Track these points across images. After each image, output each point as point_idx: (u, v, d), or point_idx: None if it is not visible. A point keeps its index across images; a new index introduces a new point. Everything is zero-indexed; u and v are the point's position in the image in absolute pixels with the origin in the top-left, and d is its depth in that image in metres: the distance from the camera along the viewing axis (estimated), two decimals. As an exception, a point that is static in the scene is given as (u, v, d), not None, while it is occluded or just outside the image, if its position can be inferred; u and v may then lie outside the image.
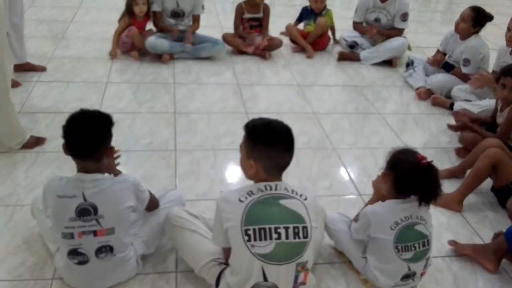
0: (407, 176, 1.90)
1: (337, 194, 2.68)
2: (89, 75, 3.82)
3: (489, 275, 2.19)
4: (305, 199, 1.71)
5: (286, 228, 1.65)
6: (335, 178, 2.82)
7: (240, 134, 1.74)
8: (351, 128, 3.39)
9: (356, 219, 2.06)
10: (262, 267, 1.66)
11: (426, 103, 3.85)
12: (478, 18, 3.67)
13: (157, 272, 2.06)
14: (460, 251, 2.28)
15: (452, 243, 2.31)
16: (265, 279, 1.67)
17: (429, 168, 1.87)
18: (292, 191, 1.71)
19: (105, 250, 1.83)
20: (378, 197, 2.10)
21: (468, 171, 2.70)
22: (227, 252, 1.81)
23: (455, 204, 2.58)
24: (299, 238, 1.66)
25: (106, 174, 1.85)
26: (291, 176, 2.70)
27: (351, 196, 2.66)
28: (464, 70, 3.78)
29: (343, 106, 3.72)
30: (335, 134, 3.28)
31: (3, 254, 2.07)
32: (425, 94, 3.88)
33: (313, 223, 1.72)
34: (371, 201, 2.15)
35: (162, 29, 4.19)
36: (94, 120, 1.78)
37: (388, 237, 1.92)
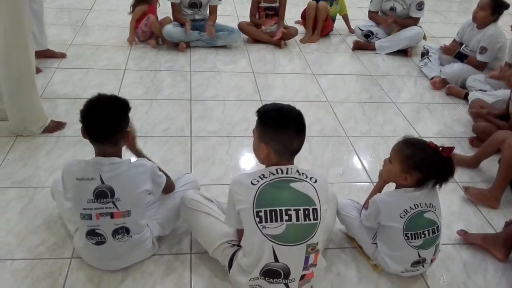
0: (436, 173, 1.89)
1: (349, 181, 2.68)
2: (108, 62, 3.86)
3: (499, 263, 2.18)
4: (315, 181, 1.72)
5: (297, 210, 1.67)
6: (347, 166, 2.82)
7: (255, 121, 1.75)
8: (364, 117, 3.38)
9: (365, 206, 2.07)
10: (273, 248, 1.67)
11: (440, 93, 3.81)
12: (496, 6, 3.62)
13: (172, 253, 2.09)
14: (470, 241, 2.27)
15: (462, 232, 2.30)
16: (276, 259, 1.68)
17: (450, 159, 1.87)
18: (303, 174, 1.72)
19: (122, 231, 1.86)
20: (383, 183, 2.14)
21: (485, 162, 2.68)
22: (239, 233, 1.84)
23: (495, 201, 2.53)
24: (309, 220, 1.68)
25: (124, 158, 1.88)
26: (304, 163, 2.74)
27: (363, 184, 2.67)
28: (480, 58, 3.73)
29: (357, 95, 3.70)
30: (349, 123, 3.28)
31: (24, 234, 2.12)
32: (440, 84, 3.85)
33: (323, 205, 1.73)
34: (378, 187, 2.16)
35: (179, 21, 4.20)
36: (111, 105, 1.80)
37: (398, 225, 1.92)
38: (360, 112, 3.44)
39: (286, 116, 1.68)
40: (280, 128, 1.66)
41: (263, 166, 1.78)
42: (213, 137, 2.97)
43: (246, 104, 3.39)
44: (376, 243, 2.07)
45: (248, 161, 2.79)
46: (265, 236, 1.67)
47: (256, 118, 1.74)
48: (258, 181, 1.69)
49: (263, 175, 1.70)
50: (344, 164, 2.83)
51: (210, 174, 2.63)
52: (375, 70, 4.17)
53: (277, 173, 1.70)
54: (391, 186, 2.09)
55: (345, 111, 3.43)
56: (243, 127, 3.10)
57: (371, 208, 2.01)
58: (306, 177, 1.72)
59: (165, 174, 2.02)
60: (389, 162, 1.99)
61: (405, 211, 1.92)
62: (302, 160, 2.77)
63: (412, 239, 1.93)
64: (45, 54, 3.73)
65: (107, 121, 1.76)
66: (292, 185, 1.69)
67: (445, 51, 3.99)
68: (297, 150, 1.73)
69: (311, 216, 1.68)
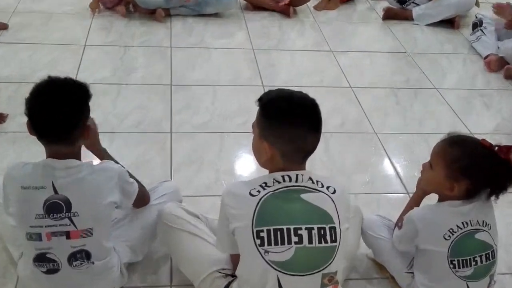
0: (491, 180, 1.89)
1: (378, 191, 2.69)
2: (63, 35, 3.86)
3: None
4: (333, 192, 1.71)
5: (309, 230, 1.66)
6: (376, 172, 2.82)
7: (255, 112, 1.75)
8: (398, 107, 3.38)
9: (399, 224, 2.07)
10: (278, 279, 1.65)
11: (497, 76, 3.82)
12: None
13: (147, 285, 2.09)
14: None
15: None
16: None
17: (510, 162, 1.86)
18: (317, 183, 1.72)
19: (81, 256, 1.85)
20: (422, 194, 2.14)
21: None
22: (234, 260, 1.82)
23: None
24: (325, 242, 1.67)
25: (84, 160, 1.87)
26: (319, 168, 2.75)
27: (396, 195, 2.67)
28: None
29: (388, 79, 3.70)
30: (377, 115, 3.28)
31: (-47, 260, 2.12)
32: (497, 64, 3.85)
33: (344, 223, 1.72)
34: (415, 200, 2.17)
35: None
36: (66, 91, 1.77)
37: (441, 249, 1.92)
38: (392, 101, 3.44)
39: (296, 107, 1.67)
40: (288, 123, 1.66)
41: (266, 172, 1.78)
42: (201, 134, 2.98)
43: (243, 91, 3.40)
44: (412, 272, 2.06)
45: (246, 165, 2.80)
46: (268, 263, 1.66)
47: (257, 108, 1.74)
48: (259, 191, 1.68)
49: (265, 183, 1.70)
50: (372, 170, 2.84)
51: (196, 182, 2.64)
52: (412, 46, 4.17)
53: (284, 180, 1.69)
54: (432, 198, 2.08)
55: (373, 99, 3.44)
56: (240, 121, 3.10)
57: (406, 227, 2.00)
58: (322, 186, 1.72)
59: (137, 181, 2.01)
60: (430, 167, 1.99)
61: (451, 230, 1.92)
62: (317, 163, 2.77)
63: (459, 267, 1.93)
64: (-20, 25, 3.74)
65: (60, 114, 1.74)
66: (304, 196, 1.68)
67: (509, 26, 3.95)
68: (310, 151, 1.72)
69: (328, 237, 1.68)
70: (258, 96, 1.74)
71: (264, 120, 1.70)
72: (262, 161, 1.76)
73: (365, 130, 3.14)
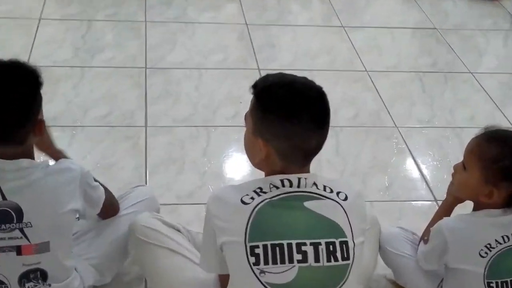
0: None
1: (400, 198, 2.70)
2: (13, 7, 3.84)
3: None
4: (345, 198, 1.69)
5: (316, 245, 1.64)
6: (397, 174, 2.83)
7: (249, 101, 1.74)
8: (424, 96, 3.40)
9: (425, 239, 2.08)
10: None
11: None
12: None
13: (116, 313, 2.13)
14: None
15: None
16: None
17: None
18: (325, 188, 1.70)
19: (35, 276, 1.84)
20: (454, 202, 2.15)
21: None
22: (223, 282, 1.80)
23: None
24: (335, 260, 1.64)
25: (39, 161, 1.86)
26: (327, 170, 2.75)
27: (422, 203, 2.68)
28: None
29: (412, 61, 3.72)
30: (399, 105, 3.29)
31: None
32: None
33: (358, 237, 1.69)
34: (444, 208, 2.18)
35: None
36: (13, 78, 1.75)
37: (476, 269, 1.90)
38: (417, 88, 3.46)
39: (299, 97, 1.65)
40: (288, 117, 1.63)
41: (261, 174, 1.78)
42: (182, 128, 2.99)
43: (234, 76, 3.41)
44: None
45: (238, 167, 2.81)
46: (264, 286, 1.64)
47: (251, 96, 1.72)
48: (252, 198, 1.66)
49: (260, 188, 1.68)
50: (392, 171, 2.85)
51: (177, 187, 2.65)
52: (441, 20, 4.18)
53: (283, 185, 1.68)
54: (467, 206, 2.08)
55: (393, 86, 3.45)
56: (230, 112, 3.12)
57: (433, 241, 2.00)
58: (331, 192, 1.70)
59: (104, 187, 2.01)
60: (463, 169, 1.99)
61: (488, 246, 1.90)
62: (324, 165, 2.78)
63: (499, 290, 1.92)
64: None
65: (6, 106, 1.74)
66: (308, 204, 1.67)
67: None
68: (315, 151, 1.71)
69: (338, 254, 1.66)
70: (253, 82, 1.73)
71: (258, 111, 1.68)
72: (256, 161, 1.74)
73: (383, 124, 3.15)
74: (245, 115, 1.74)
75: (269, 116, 1.65)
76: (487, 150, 1.92)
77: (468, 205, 2.06)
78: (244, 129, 1.77)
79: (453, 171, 2.05)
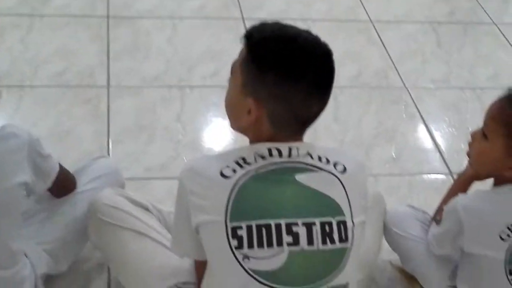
0: None
1: (410, 171, 2.74)
2: None
3: None
4: (343, 170, 1.70)
5: (309, 225, 1.63)
6: (406, 143, 2.87)
7: (232, 57, 1.74)
8: (439, 51, 3.43)
9: (437, 219, 2.11)
10: None
11: None
12: None
13: (74, 307, 2.16)
14: None
15: None
16: None
17: None
18: (320, 158, 1.70)
19: (-26, 263, 1.88)
20: (471, 176, 2.17)
21: None
22: (199, 269, 1.83)
23: None
24: (332, 242, 1.64)
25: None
26: (325, 139, 2.78)
27: (435, 176, 2.73)
28: None
29: (426, 9, 3.74)
30: (409, 61, 3.32)
31: None
32: None
33: (358, 215, 1.70)
34: (460, 184, 2.20)
35: None
36: None
37: (495, 254, 1.95)
38: (431, 42, 3.48)
39: (302, 55, 1.63)
40: (291, 77, 1.64)
41: (244, 141, 1.77)
42: (151, 89, 3.01)
43: (213, 26, 3.41)
44: (455, 286, 2.10)
45: (218, 134, 2.83)
46: (249, 273, 1.64)
47: (235, 49, 1.72)
48: (234, 170, 1.66)
49: (243, 159, 1.68)
50: (400, 140, 2.88)
51: (146, 159, 2.67)
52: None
53: (271, 155, 1.67)
54: (487, 183, 2.11)
55: (403, 39, 3.48)
56: (209, 70, 3.13)
57: (447, 221, 2.04)
58: (327, 163, 1.70)
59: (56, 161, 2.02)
60: (484, 138, 1.99)
61: (511, 227, 1.95)
62: (321, 132, 2.80)
63: (521, 278, 1.97)
64: None
65: None
66: (300, 177, 1.66)
67: None
68: (313, 118, 1.72)
69: (335, 236, 1.65)
70: (236, 34, 1.73)
71: (253, 67, 1.65)
72: (241, 125, 1.74)
73: (391, 84, 3.18)
74: (232, 66, 1.71)
75: (265, 75, 1.63)
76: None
77: (489, 181, 2.08)
78: (225, 90, 1.76)
79: (470, 140, 2.05)
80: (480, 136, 2.00)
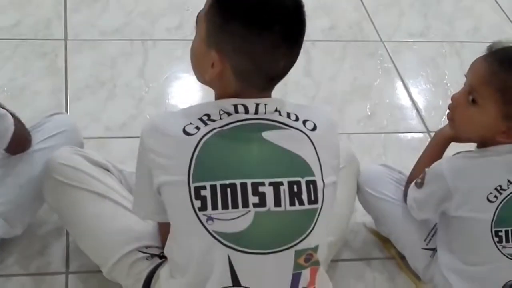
0: None
1: (385, 129, 2.76)
2: None
3: None
4: (313, 128, 1.71)
5: (276, 185, 1.64)
6: (381, 99, 2.88)
7: (198, 9, 1.71)
8: (417, 2, 3.45)
9: (418, 182, 2.10)
10: (229, 259, 1.65)
11: None
12: None
13: (29, 273, 2.12)
14: None
15: None
16: (236, 281, 1.67)
17: None
18: (289, 115, 1.70)
19: None
20: (447, 141, 2.19)
21: None
22: (163, 232, 1.86)
23: None
24: (300, 203, 1.65)
25: None
26: (295, 96, 2.78)
27: (411, 135, 2.75)
28: None
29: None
30: (385, 13, 3.34)
31: None
32: None
33: (329, 175, 1.71)
34: (436, 147, 2.21)
35: None
36: None
37: (483, 216, 1.97)
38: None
39: (273, 5, 1.62)
40: (257, 29, 1.62)
41: (211, 98, 1.76)
42: (112, 42, 3.00)
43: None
44: (432, 249, 2.14)
45: (183, 91, 2.84)
46: (213, 235, 1.65)
47: (200, 3, 1.71)
48: (198, 127, 1.66)
49: (208, 115, 1.68)
50: (375, 96, 2.90)
51: (106, 116, 2.66)
52: None
53: (237, 111, 1.67)
54: (463, 145, 2.12)
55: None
56: (173, 23, 3.13)
57: (431, 185, 2.04)
58: (296, 120, 1.71)
59: (12, 114, 1.99)
60: (471, 103, 1.96)
61: (499, 188, 1.96)
62: (291, 88, 2.81)
63: (508, 241, 1.98)
64: None
65: None
66: (267, 135, 1.67)
67: None
68: (281, 74, 1.71)
69: (304, 196, 1.66)
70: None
71: (217, 17, 1.64)
72: (206, 78, 1.72)
73: (366, 37, 3.18)
74: (197, 17, 1.70)
75: (230, 25, 1.61)
76: (508, 79, 1.91)
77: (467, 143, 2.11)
78: (189, 43, 1.75)
79: (452, 103, 2.04)
80: (466, 101, 1.98)
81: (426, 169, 2.07)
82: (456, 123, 2.06)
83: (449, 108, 2.06)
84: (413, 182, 2.13)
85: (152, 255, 1.95)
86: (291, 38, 1.66)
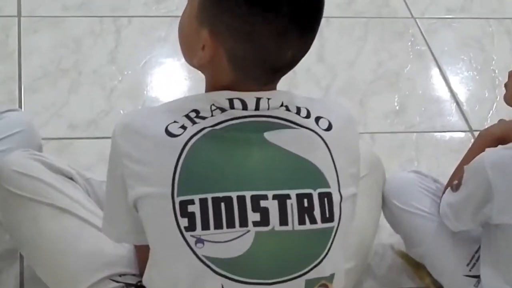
0: None
1: (418, 128, 2.70)
2: None
3: None
4: (328, 128, 1.62)
5: (282, 199, 1.56)
6: (413, 91, 2.83)
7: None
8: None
9: (455, 184, 2.05)
10: None
11: None
12: None
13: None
14: None
15: None
16: None
17: None
18: (299, 111, 1.63)
19: None
20: (500, 138, 2.13)
21: None
22: (141, 256, 1.82)
23: None
24: (312, 222, 1.58)
25: None
26: (304, 86, 2.77)
27: (450, 134, 2.71)
28: None
29: None
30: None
31: None
32: None
33: (348, 187, 1.64)
34: (483, 147, 2.06)
35: None
36: None
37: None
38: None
39: None
40: (260, 8, 1.53)
41: (201, 90, 1.67)
42: (76, 20, 2.98)
43: None
44: (477, 276, 2.07)
45: (166, 81, 2.80)
46: (203, 262, 1.59)
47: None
48: (184, 126, 1.58)
49: (196, 112, 1.59)
50: (405, 87, 2.82)
51: (69, 113, 2.62)
52: None
53: (233, 107, 1.59)
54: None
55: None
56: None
57: (469, 185, 1.99)
58: (307, 117, 1.63)
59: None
60: None
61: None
62: (301, 76, 2.78)
63: None
64: None
65: None
66: (270, 136, 1.59)
67: None
68: (288, 66, 1.63)
69: (316, 213, 1.58)
70: None
71: None
72: (194, 63, 1.66)
73: (393, 13, 3.14)
74: None
75: (226, 2, 1.54)
76: None
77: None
78: (174, 21, 1.70)
79: (508, 82, 2.03)
80: None
81: (465, 166, 2.04)
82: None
83: (505, 87, 2.06)
84: (451, 187, 2.09)
85: (128, 285, 1.90)
86: (303, 24, 1.60)
